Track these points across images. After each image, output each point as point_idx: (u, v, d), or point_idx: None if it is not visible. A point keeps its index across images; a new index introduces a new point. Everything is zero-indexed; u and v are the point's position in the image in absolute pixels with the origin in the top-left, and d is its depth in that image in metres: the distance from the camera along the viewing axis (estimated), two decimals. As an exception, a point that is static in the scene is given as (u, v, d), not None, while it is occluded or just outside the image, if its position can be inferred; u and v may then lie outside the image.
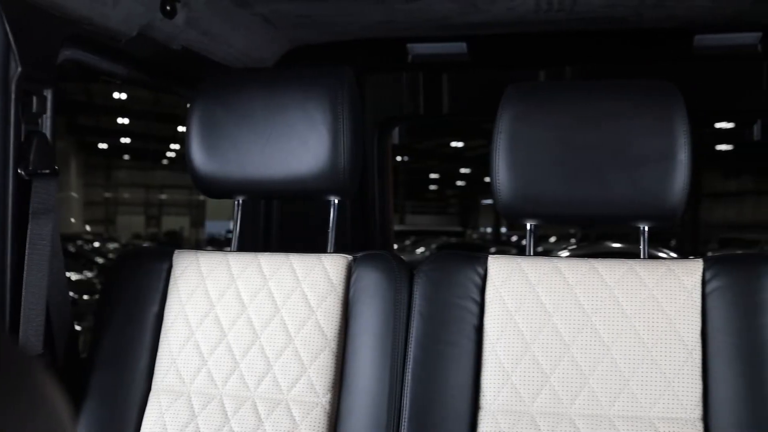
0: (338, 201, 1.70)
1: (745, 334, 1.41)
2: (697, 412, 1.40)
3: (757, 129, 2.83)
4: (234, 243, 1.74)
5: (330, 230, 1.70)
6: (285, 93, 1.64)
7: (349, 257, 1.61)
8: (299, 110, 1.62)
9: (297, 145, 1.62)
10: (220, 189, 1.69)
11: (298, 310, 1.57)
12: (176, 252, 1.68)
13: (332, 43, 2.31)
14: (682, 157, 1.47)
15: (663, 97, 1.50)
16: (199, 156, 1.65)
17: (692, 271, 1.48)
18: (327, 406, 1.51)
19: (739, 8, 1.95)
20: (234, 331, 1.58)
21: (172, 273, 1.65)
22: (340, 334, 1.55)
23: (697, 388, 1.41)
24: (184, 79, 2.08)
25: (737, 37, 2.14)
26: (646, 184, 1.48)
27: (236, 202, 1.76)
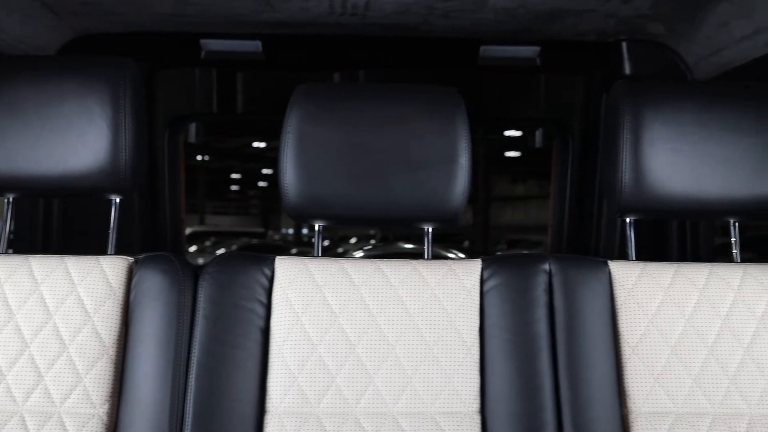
0: (120, 200, 1.61)
1: (519, 329, 1.49)
2: (475, 405, 1.46)
3: (538, 136, 3.03)
4: (2, 245, 1.61)
5: (111, 231, 1.62)
6: (61, 84, 1.53)
7: (130, 259, 1.54)
8: (77, 103, 1.52)
9: (74, 141, 1.52)
10: None
11: (73, 316, 1.47)
12: None
13: (120, 34, 2.20)
14: (463, 161, 1.52)
15: (446, 103, 1.56)
16: None
17: (471, 271, 1.55)
18: (104, 418, 1.43)
19: (519, 23, 2.06)
20: None
21: None
22: (119, 340, 1.47)
23: (475, 383, 1.47)
24: None
25: (518, 50, 2.27)
26: (428, 187, 1.52)
27: (6, 201, 1.62)
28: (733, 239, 1.68)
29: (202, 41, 2.21)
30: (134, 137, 1.53)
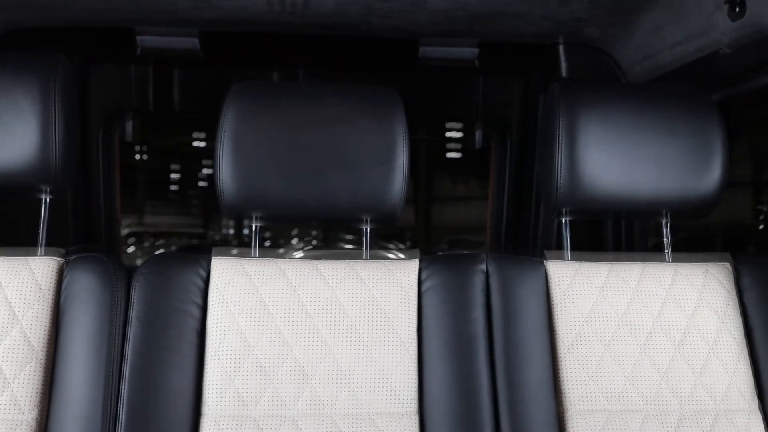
0: (50, 199, 1.57)
1: (456, 329, 1.50)
2: (413, 405, 1.46)
3: (478, 137, 3.05)
4: None
5: (41, 230, 1.57)
6: None
7: (61, 260, 1.50)
8: (6, 99, 1.48)
9: (2, 137, 1.47)
10: None
11: (0, 319, 1.43)
12: None
13: (54, 28, 2.14)
14: (401, 161, 1.52)
15: (385, 103, 1.55)
16: None
17: (409, 270, 1.55)
18: (33, 424, 1.38)
19: (458, 24, 2.07)
20: None
21: None
22: (49, 343, 1.43)
23: (413, 383, 1.47)
24: None
25: (457, 51, 2.28)
26: (366, 186, 1.52)
27: None
28: (665, 239, 1.72)
29: (138, 37, 2.17)
30: (65, 133, 1.49)
